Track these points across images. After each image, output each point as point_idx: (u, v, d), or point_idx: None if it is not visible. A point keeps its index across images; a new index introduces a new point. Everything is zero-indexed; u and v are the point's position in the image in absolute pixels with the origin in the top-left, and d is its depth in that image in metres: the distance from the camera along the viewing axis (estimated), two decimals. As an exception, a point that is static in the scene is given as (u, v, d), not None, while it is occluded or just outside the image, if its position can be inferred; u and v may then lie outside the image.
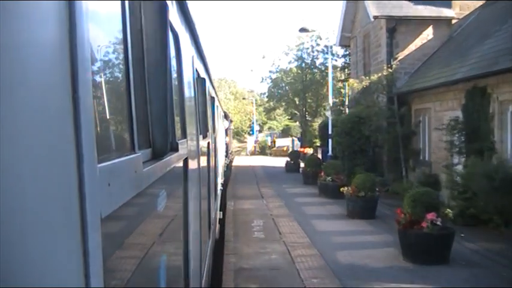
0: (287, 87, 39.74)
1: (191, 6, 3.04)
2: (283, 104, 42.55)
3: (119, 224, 1.21)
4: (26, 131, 0.61)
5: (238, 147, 50.21)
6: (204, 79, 4.90)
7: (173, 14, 2.22)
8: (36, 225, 0.62)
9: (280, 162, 28.44)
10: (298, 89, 38.42)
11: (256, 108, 74.94)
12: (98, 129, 0.89)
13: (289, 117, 60.12)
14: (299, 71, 38.75)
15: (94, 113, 0.87)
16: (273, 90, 41.98)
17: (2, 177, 0.54)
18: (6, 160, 0.55)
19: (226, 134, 22.36)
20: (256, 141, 44.52)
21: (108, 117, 1.22)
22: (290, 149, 38.69)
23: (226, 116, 21.71)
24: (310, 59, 38.52)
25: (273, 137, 49.91)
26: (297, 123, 57.46)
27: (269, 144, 43.77)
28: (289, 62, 39.10)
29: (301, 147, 35.60)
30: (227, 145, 22.93)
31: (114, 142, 1.27)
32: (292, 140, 43.49)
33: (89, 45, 0.86)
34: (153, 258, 1.73)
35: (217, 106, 10.43)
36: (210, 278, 5.45)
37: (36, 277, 0.62)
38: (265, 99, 46.89)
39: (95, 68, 1.05)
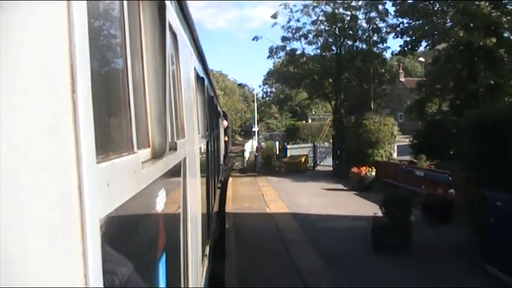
0: (309, 65, 24.57)
1: (190, 5, 3.04)
2: (302, 90, 27.55)
3: (118, 224, 1.21)
4: (25, 131, 0.61)
5: (230, 151, 32.00)
6: (203, 78, 4.90)
7: (172, 14, 2.22)
8: (35, 225, 0.62)
9: (314, 192, 15.33)
10: (328, 65, 23.99)
11: (248, 106, 62.79)
12: (97, 129, 0.89)
13: (291, 115, 51.32)
14: (330, 39, 24.05)
15: (93, 113, 0.87)
16: (283, 70, 26.88)
17: (2, 177, 0.54)
18: (5, 160, 0.55)
19: (225, 134, 19.08)
20: (259, 149, 26.72)
21: (107, 117, 1.22)
22: (309, 160, 25.09)
23: (225, 116, 19.31)
24: (348, 17, 23.32)
25: (275, 140, 32.89)
26: (324, 120, 41.30)
27: (277, 152, 26.97)
28: (313, 22, 23.81)
29: (333, 161, 22.46)
30: (226, 144, 19.56)
31: (113, 142, 1.27)
32: (314, 148, 26.24)
33: (87, 44, 0.85)
34: (152, 258, 1.73)
35: (215, 105, 10.44)
36: (209, 276, 5.45)
37: (35, 277, 0.62)
38: (270, 88, 33.48)
39: (94, 67, 1.05)
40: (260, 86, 46.14)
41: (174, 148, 2.05)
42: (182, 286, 2.52)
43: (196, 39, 3.95)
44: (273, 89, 63.24)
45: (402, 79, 35.33)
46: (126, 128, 1.35)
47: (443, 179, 11.78)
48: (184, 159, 2.60)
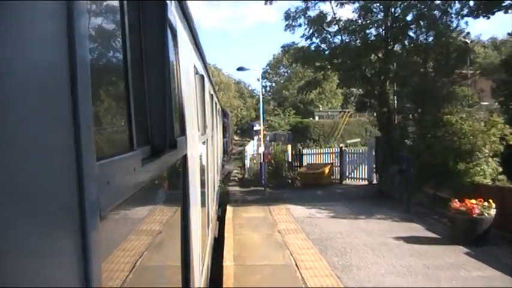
0: (344, 36, 16.85)
1: (190, 3, 3.04)
2: (330, 72, 18.66)
3: (118, 222, 1.21)
4: (25, 129, 0.61)
5: (232, 149, 27.00)
6: (202, 76, 4.90)
7: (172, 11, 2.22)
8: (35, 223, 0.62)
9: (391, 253, 8.27)
10: (370, 38, 16.35)
11: (244, 102, 60.30)
12: (97, 126, 0.90)
13: (295, 112, 45.08)
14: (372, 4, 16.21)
15: (93, 111, 0.87)
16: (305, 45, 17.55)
17: (1, 176, 0.54)
18: (5, 158, 0.55)
19: (226, 131, 18.02)
20: (268, 154, 18.74)
21: (107, 114, 1.22)
22: (334, 170, 19.24)
23: (225, 114, 18.60)
24: None
25: (280, 141, 26.32)
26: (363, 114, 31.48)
27: (289, 159, 20.86)
28: None
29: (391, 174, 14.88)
30: (226, 143, 18.76)
31: (113, 139, 1.27)
32: (341, 154, 19.86)
33: (87, 43, 0.85)
34: (152, 256, 1.73)
35: (215, 103, 10.44)
36: (209, 275, 5.46)
37: (35, 276, 0.62)
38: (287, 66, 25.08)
39: (94, 65, 1.05)
40: (258, 80, 41.07)
41: (174, 146, 2.05)
42: (181, 286, 2.52)
43: (196, 37, 3.96)
44: (273, 84, 61.85)
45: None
46: (126, 125, 1.35)
47: None
48: (185, 157, 2.61)
